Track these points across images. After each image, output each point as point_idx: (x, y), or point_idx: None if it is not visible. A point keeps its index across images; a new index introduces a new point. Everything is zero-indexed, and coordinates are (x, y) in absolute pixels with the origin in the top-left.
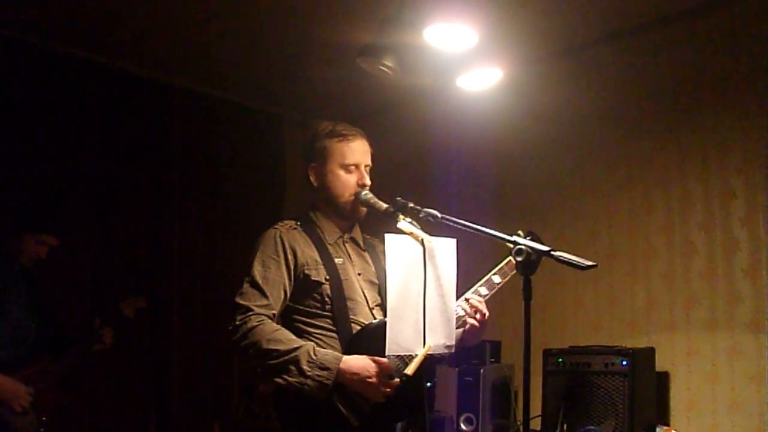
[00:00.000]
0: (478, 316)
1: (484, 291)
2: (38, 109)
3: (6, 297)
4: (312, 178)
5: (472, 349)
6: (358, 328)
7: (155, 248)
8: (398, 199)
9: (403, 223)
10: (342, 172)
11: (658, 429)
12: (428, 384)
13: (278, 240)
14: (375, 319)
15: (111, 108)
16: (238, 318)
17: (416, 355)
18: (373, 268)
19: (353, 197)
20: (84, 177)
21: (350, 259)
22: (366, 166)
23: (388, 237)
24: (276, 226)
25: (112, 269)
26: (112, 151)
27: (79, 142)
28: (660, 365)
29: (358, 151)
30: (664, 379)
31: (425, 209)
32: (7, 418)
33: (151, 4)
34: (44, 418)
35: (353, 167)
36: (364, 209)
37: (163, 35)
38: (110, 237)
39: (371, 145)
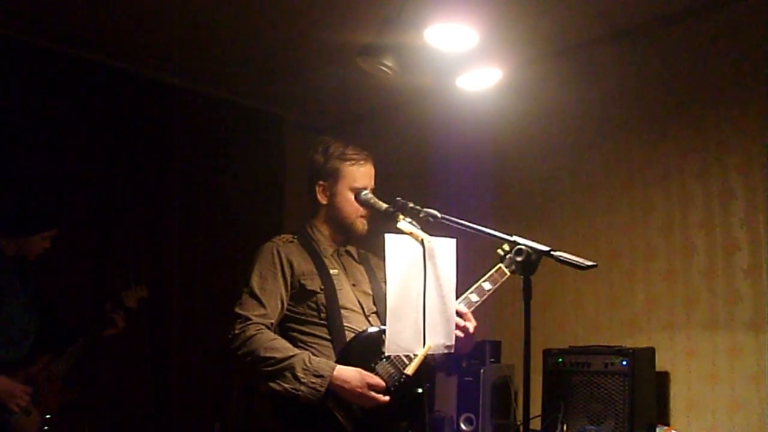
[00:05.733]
0: (463, 331)
1: (474, 298)
2: (38, 109)
3: (5, 298)
4: (320, 196)
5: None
6: (353, 335)
7: (156, 244)
8: (398, 199)
9: (403, 223)
10: (351, 195)
11: (658, 429)
12: (419, 390)
13: (275, 252)
14: (371, 326)
15: (111, 107)
16: (237, 327)
17: (414, 355)
18: (367, 280)
19: (360, 218)
20: (85, 175)
21: (345, 270)
22: (372, 189)
23: (388, 237)
24: (273, 240)
25: (113, 263)
26: (113, 150)
27: (80, 141)
28: (660, 365)
29: (367, 175)
30: (664, 379)
31: (425, 209)
32: (7, 418)
33: (151, 4)
34: (48, 417)
35: (362, 190)
36: (366, 228)
37: (164, 35)
38: (111, 232)
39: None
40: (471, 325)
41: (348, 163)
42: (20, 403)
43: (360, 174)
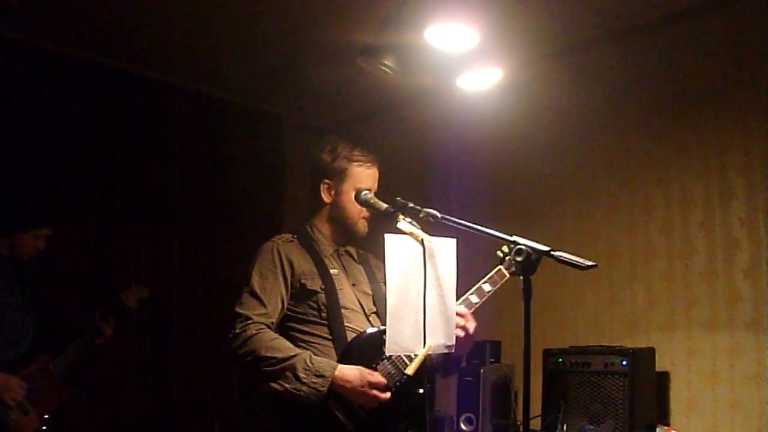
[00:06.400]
0: (463, 331)
1: (474, 299)
2: (38, 109)
3: (2, 298)
4: (324, 195)
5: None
6: (354, 335)
7: (156, 244)
8: (398, 199)
9: (403, 223)
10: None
11: (658, 429)
12: (420, 390)
13: (275, 252)
14: (371, 326)
15: (111, 108)
16: (238, 326)
17: (415, 356)
18: (367, 280)
19: (362, 219)
20: (85, 175)
21: (345, 270)
22: (375, 191)
23: (388, 237)
24: (273, 239)
25: (113, 263)
26: (112, 150)
27: (80, 142)
28: (660, 365)
29: (372, 177)
30: (664, 379)
31: (425, 209)
32: (4, 415)
33: (151, 4)
34: (46, 417)
35: (366, 192)
36: (366, 230)
37: (163, 35)
38: (111, 232)
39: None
40: (471, 325)
41: (356, 163)
42: (16, 396)
43: (366, 176)
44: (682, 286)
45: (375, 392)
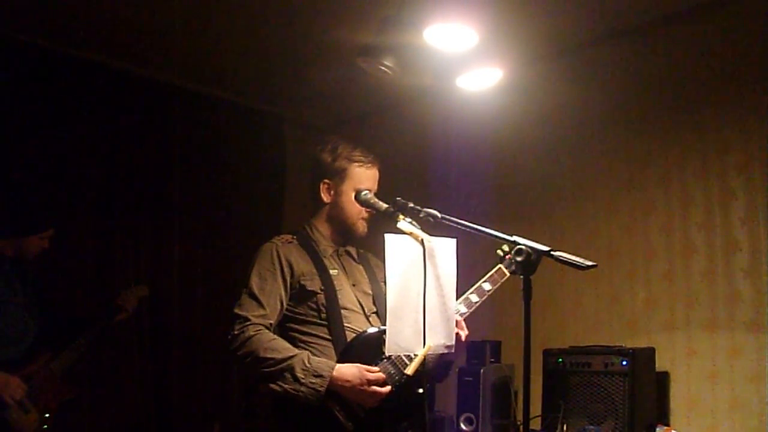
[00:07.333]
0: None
1: (474, 298)
2: (38, 109)
3: (3, 298)
4: (323, 194)
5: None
6: (353, 335)
7: (156, 244)
8: (398, 199)
9: (403, 223)
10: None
11: (658, 429)
12: (419, 390)
13: (275, 253)
14: (371, 326)
15: (111, 107)
16: (237, 328)
17: (414, 355)
18: (367, 280)
19: (361, 219)
20: (85, 175)
21: (345, 270)
22: (375, 192)
23: (388, 237)
24: (273, 240)
25: (113, 263)
26: (113, 150)
27: (80, 142)
28: (660, 365)
29: (372, 178)
30: (664, 379)
31: (425, 209)
32: (5, 414)
33: (151, 4)
34: (47, 416)
35: (366, 192)
36: (366, 230)
37: (163, 35)
38: (112, 232)
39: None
40: (463, 333)
41: (356, 164)
42: (14, 395)
43: (366, 176)
44: (682, 286)
45: (374, 388)
